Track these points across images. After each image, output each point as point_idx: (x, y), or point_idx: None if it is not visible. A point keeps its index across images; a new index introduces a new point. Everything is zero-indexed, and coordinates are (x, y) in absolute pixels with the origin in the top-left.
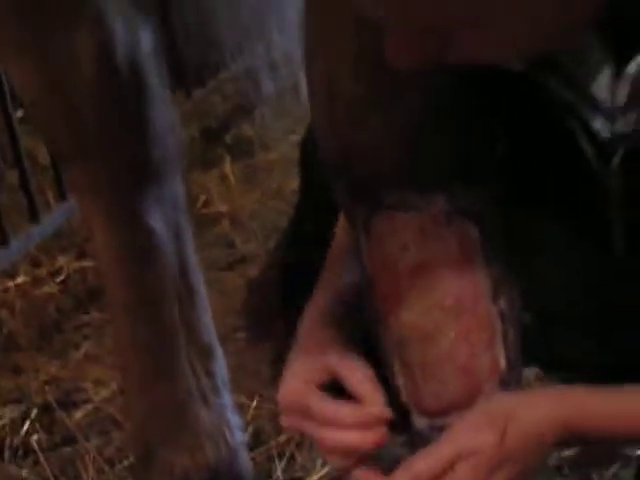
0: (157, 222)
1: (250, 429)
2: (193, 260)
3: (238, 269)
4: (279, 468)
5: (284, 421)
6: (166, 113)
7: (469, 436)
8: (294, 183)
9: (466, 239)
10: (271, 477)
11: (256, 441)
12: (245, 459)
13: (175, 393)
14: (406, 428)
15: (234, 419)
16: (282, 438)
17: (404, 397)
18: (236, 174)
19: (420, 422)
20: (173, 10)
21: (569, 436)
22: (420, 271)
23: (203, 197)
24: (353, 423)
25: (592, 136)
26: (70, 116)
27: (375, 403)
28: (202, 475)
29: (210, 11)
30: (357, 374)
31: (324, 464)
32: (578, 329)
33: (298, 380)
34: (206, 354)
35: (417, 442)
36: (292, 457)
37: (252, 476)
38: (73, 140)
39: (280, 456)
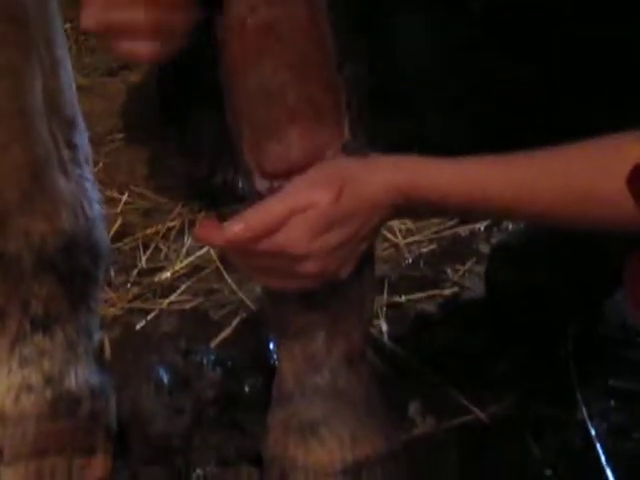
0: None
1: (119, 221)
2: (60, 33)
3: (120, 75)
4: (144, 258)
5: (86, 18)
6: None
7: (304, 193)
8: None
9: (314, 5)
10: (136, 266)
11: (123, 233)
12: (103, 232)
13: (32, 159)
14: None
15: (93, 192)
16: (149, 231)
17: (248, 158)
18: None
19: (261, 184)
20: None
21: (404, 203)
22: (268, 32)
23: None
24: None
25: None
26: None
27: None
28: (58, 242)
29: None
30: None
31: (187, 255)
32: (436, 99)
33: None
34: (68, 126)
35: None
36: (157, 248)
37: (108, 248)
38: None
39: (145, 247)
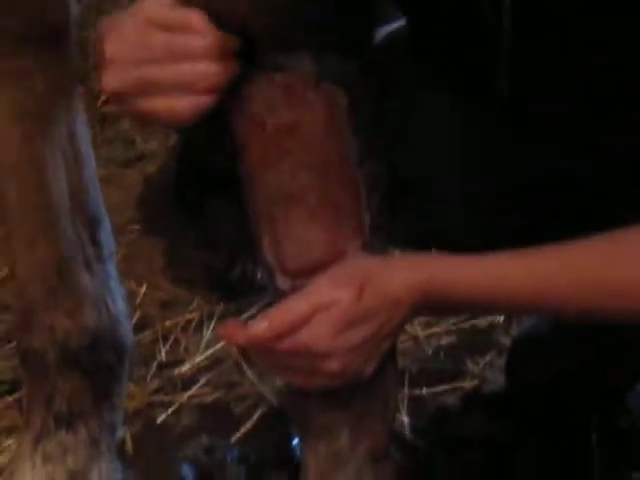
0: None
1: (137, 314)
2: (82, 128)
3: (137, 166)
4: (163, 351)
5: (112, 79)
6: None
7: (326, 291)
8: None
9: (333, 104)
10: (155, 359)
11: (142, 325)
12: (127, 328)
13: (58, 257)
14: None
15: (117, 289)
16: (168, 323)
17: (269, 257)
18: None
19: (283, 282)
20: None
21: (426, 301)
22: (287, 132)
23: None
24: (202, 51)
25: None
26: None
27: (213, 33)
28: (82, 338)
29: None
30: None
31: (207, 347)
32: (457, 197)
33: (136, 19)
34: (92, 223)
35: (279, 302)
36: (176, 341)
37: (132, 344)
38: None
39: (165, 339)
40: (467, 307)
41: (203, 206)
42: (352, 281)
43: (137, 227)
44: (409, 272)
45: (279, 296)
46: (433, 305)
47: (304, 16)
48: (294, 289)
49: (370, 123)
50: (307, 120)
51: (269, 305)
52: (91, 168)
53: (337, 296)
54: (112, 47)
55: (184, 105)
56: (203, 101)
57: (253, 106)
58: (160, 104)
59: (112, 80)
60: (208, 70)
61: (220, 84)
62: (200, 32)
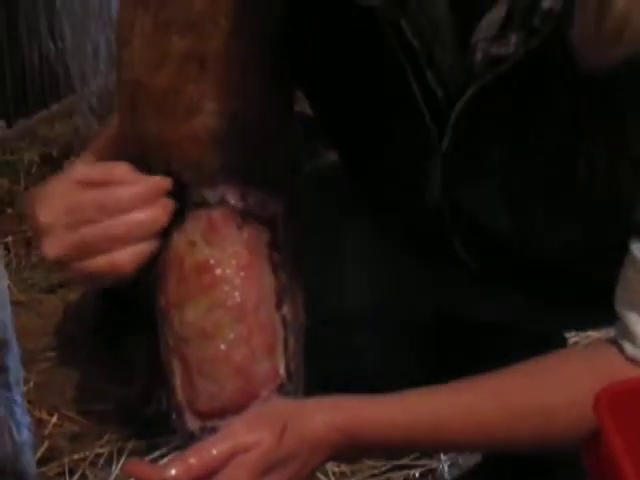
0: None
1: (46, 444)
2: None
3: (58, 293)
4: None
5: (50, 246)
6: None
7: (244, 433)
8: None
9: (256, 243)
10: None
11: (50, 457)
12: (30, 459)
13: None
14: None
15: (23, 417)
16: (76, 456)
17: (179, 396)
18: None
19: (193, 423)
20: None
21: (346, 442)
22: (206, 269)
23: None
24: (131, 201)
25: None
26: None
27: (140, 180)
28: None
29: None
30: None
31: None
32: (386, 337)
33: (63, 182)
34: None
35: (189, 444)
36: (84, 474)
37: (34, 476)
38: None
39: (72, 473)
40: (391, 447)
41: (121, 340)
42: (272, 423)
43: (53, 355)
44: (329, 413)
45: (187, 437)
46: (354, 446)
47: (228, 150)
48: (204, 430)
49: (292, 262)
50: (226, 258)
51: (179, 447)
52: (2, 292)
53: (257, 438)
54: (45, 214)
55: (125, 257)
56: (142, 249)
57: (174, 241)
58: (102, 262)
59: (51, 248)
60: (141, 218)
61: (159, 226)
62: (127, 182)
